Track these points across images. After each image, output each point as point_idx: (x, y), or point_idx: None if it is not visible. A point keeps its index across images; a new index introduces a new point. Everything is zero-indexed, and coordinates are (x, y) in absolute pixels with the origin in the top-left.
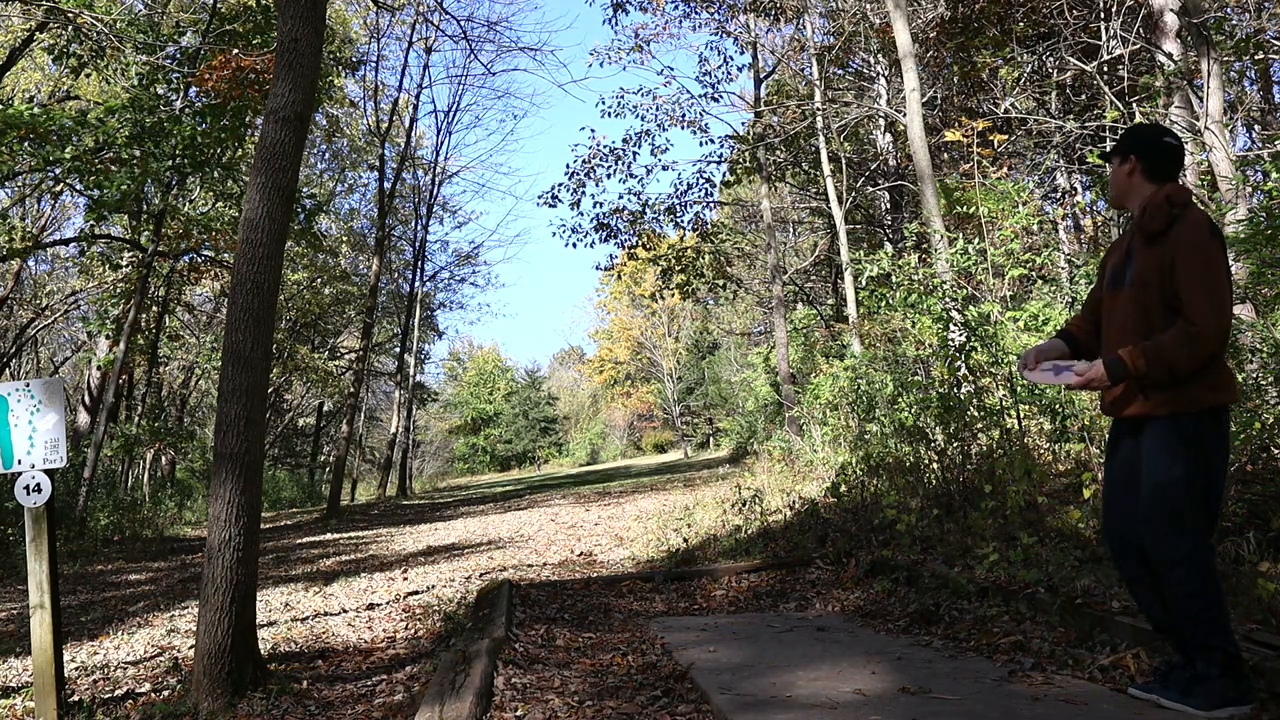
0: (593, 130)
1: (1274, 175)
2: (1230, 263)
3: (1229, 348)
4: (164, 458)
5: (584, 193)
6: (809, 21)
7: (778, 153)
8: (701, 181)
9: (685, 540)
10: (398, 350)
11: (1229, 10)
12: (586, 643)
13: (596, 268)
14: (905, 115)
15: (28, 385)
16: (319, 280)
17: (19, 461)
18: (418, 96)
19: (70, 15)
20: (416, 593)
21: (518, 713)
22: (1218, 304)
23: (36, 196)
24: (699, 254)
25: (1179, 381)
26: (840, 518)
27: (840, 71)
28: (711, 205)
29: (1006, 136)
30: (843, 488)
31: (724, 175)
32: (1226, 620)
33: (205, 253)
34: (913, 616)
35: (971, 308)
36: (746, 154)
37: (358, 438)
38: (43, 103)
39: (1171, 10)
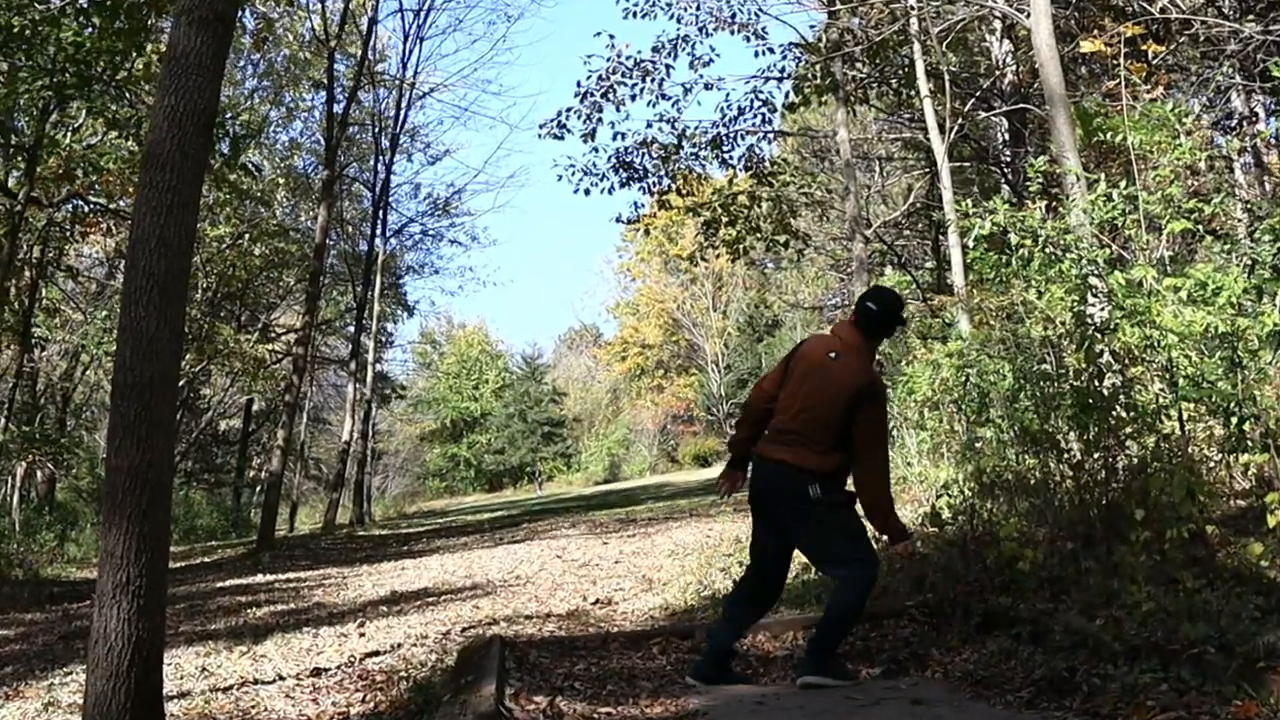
0: (612, 37)
1: None
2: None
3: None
4: (39, 473)
5: (600, 120)
6: None
7: (859, 66)
8: (757, 105)
9: (736, 583)
10: (352, 330)
11: None
12: None
13: (617, 220)
14: (1029, 16)
15: None
16: (247, 236)
17: None
18: None
19: None
20: (377, 654)
21: None
22: (757, 383)
23: None
24: (754, 201)
25: None
26: (943, 554)
27: None
28: (770, 136)
29: (1164, 45)
30: (946, 513)
31: (787, 96)
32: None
33: (94, 200)
34: (1040, 685)
35: (1118, 273)
36: (817, 68)
37: (299, 447)
38: None
39: None
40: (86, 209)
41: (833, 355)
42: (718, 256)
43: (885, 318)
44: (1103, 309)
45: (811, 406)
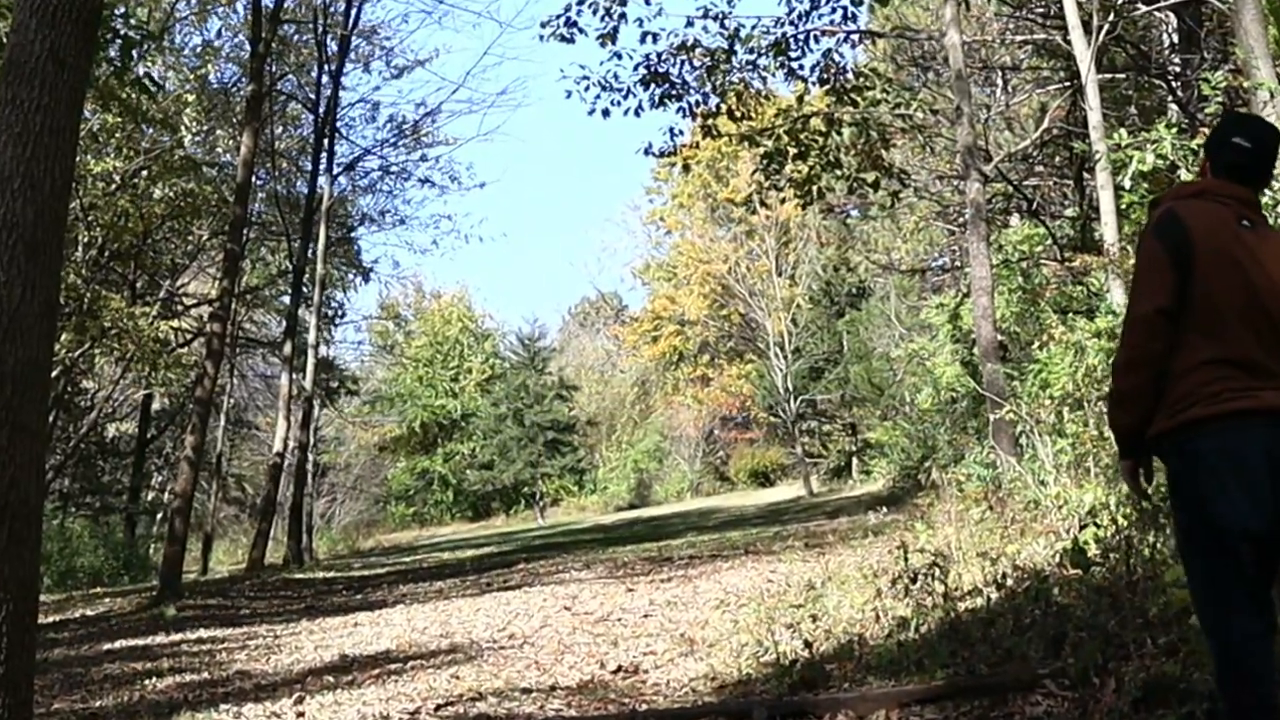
0: None
1: None
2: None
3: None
4: None
5: (624, 16)
6: None
7: None
8: None
9: (809, 644)
10: (286, 301)
11: None
12: None
13: (647, 152)
14: None
15: None
16: (145, 174)
17: None
18: None
19: None
20: None
21: None
22: (1130, 311)
23: None
24: (831, 126)
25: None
26: (1088, 604)
27: None
28: (855, 39)
29: None
30: (1093, 549)
31: None
32: None
33: None
34: None
35: None
36: None
37: (214, 459)
38: None
39: None
40: None
41: (1246, 224)
42: (783, 201)
43: (1268, 156)
44: None
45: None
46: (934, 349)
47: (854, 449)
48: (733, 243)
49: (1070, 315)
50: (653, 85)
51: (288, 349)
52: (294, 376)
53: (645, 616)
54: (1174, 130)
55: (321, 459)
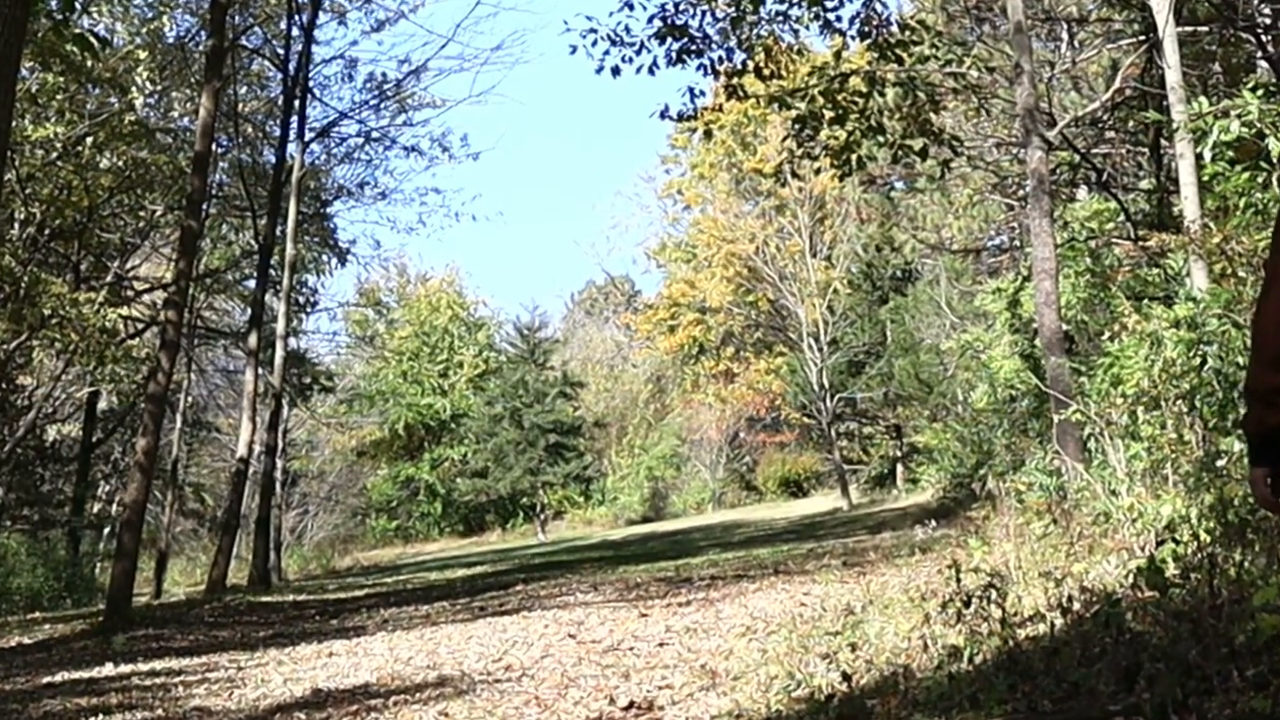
0: None
1: None
2: None
3: None
4: None
5: None
6: None
7: None
8: None
9: (847, 677)
10: (252, 286)
11: None
12: None
13: (663, 116)
14: None
15: None
16: (90, 141)
17: None
18: None
19: None
20: None
21: None
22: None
23: None
24: (873, 86)
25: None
26: (1166, 630)
27: None
28: None
29: None
30: (1171, 569)
31: None
32: None
33: None
34: None
35: None
36: None
37: (170, 466)
38: None
39: None
40: None
41: None
42: (818, 172)
43: None
44: None
45: None
46: (990, 340)
47: (899, 454)
48: (760, 219)
49: (1145, 302)
50: (670, 39)
51: (253, 340)
52: (260, 371)
53: (661, 645)
54: (1260, 94)
55: (292, 466)
